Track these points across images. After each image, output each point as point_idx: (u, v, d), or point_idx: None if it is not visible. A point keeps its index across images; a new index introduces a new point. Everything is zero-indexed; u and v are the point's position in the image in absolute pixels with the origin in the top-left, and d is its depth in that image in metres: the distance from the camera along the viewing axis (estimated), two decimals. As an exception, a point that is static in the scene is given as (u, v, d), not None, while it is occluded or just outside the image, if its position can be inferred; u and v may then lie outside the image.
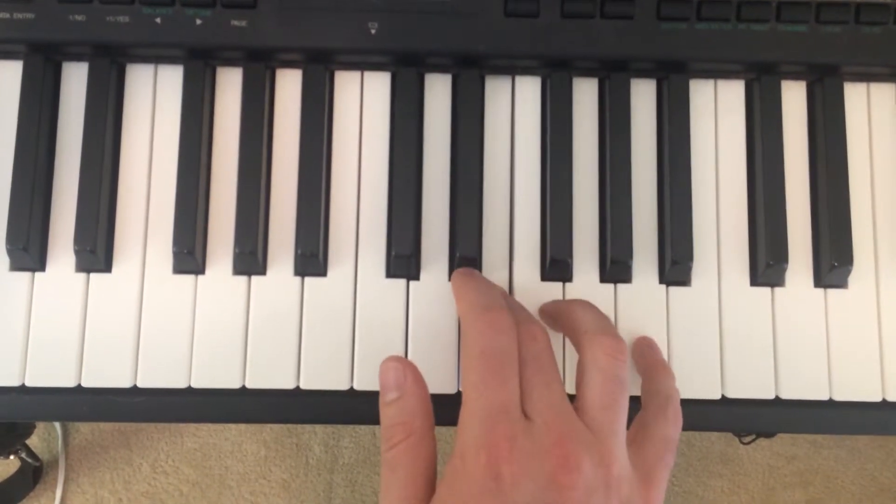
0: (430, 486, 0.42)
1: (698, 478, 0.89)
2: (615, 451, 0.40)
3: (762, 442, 0.89)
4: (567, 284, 0.50)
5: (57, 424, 0.87)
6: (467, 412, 0.41)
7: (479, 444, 0.39)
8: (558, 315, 0.47)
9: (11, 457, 0.83)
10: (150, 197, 0.50)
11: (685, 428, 0.48)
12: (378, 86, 0.51)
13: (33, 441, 0.86)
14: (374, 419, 0.49)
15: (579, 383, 0.43)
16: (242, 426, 0.88)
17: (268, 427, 0.89)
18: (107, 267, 0.49)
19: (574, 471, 0.38)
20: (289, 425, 0.89)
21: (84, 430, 0.88)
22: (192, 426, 0.88)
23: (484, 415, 0.40)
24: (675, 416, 0.45)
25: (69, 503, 0.87)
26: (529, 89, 0.52)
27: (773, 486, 0.89)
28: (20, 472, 0.86)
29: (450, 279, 0.50)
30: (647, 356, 0.48)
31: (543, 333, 0.43)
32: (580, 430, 0.40)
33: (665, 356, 0.49)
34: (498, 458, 0.39)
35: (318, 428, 0.89)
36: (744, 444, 0.89)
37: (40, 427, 0.87)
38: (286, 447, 0.89)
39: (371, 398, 0.48)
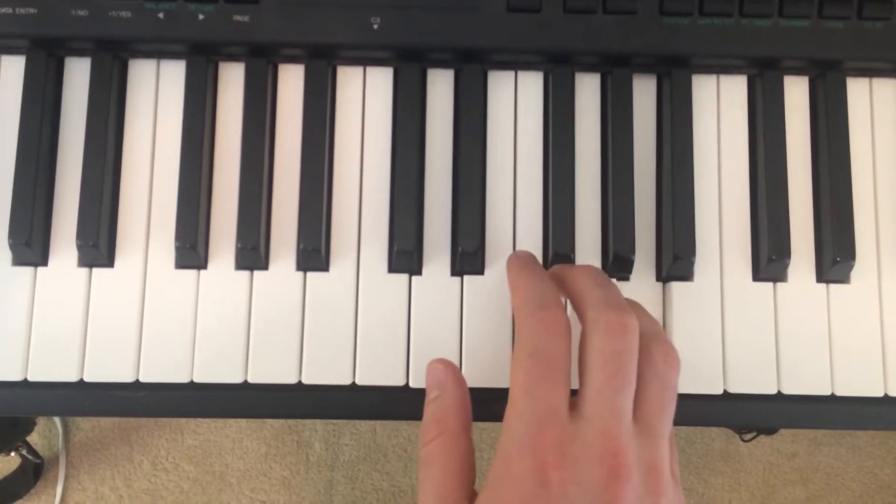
0: (466, 483, 0.42)
1: (699, 475, 0.89)
2: (665, 456, 0.41)
3: (763, 439, 0.89)
4: (569, 280, 0.50)
5: (58, 421, 0.87)
6: (513, 414, 0.40)
7: (525, 447, 0.39)
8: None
9: (13, 454, 0.83)
10: (152, 192, 0.50)
11: (689, 423, 0.49)
12: (380, 81, 0.51)
13: (34, 438, 0.87)
14: (375, 414, 0.49)
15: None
16: (243, 423, 0.88)
17: (268, 424, 0.89)
18: (109, 262, 0.49)
19: (626, 480, 0.38)
20: (289, 422, 0.89)
21: (85, 427, 0.88)
22: (192, 423, 0.88)
23: (531, 418, 0.40)
24: (666, 357, 0.43)
25: (70, 500, 0.88)
26: (532, 84, 0.52)
27: (774, 484, 0.90)
28: (21, 469, 0.87)
29: (452, 273, 0.50)
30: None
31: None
32: (632, 438, 0.40)
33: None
34: (545, 463, 0.38)
35: (319, 425, 0.89)
36: (744, 441, 0.89)
37: (41, 424, 0.87)
38: (287, 444, 0.89)
39: (373, 393, 0.49)
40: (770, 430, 0.88)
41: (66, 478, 0.88)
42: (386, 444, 0.89)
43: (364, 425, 0.89)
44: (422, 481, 0.43)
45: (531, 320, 0.42)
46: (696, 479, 0.89)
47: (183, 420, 0.88)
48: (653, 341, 0.42)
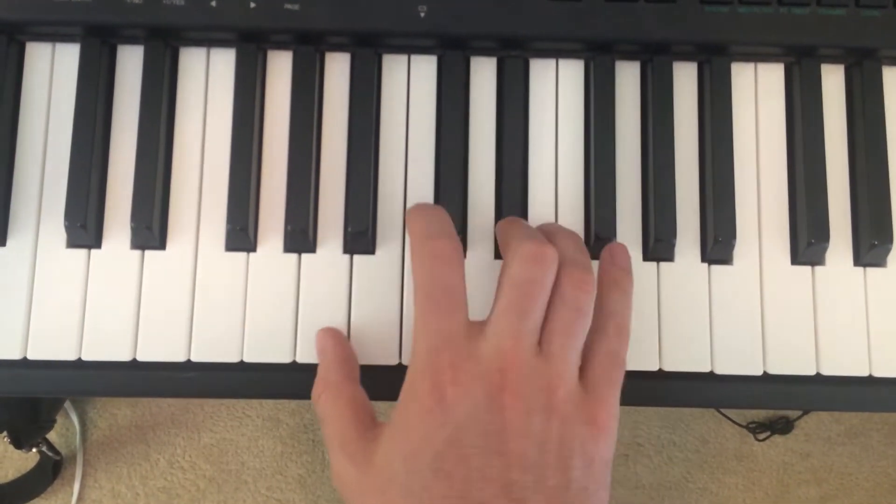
0: (361, 422, 0.44)
1: (713, 474, 0.90)
2: (563, 374, 0.42)
3: (777, 439, 0.90)
4: (610, 263, 0.51)
5: (75, 419, 0.88)
6: (415, 342, 0.43)
7: (425, 370, 0.42)
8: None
9: (33, 450, 0.83)
10: (202, 176, 0.51)
11: (731, 405, 0.49)
12: (425, 69, 0.52)
13: (51, 436, 0.87)
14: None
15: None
16: (259, 422, 0.89)
17: (284, 423, 0.89)
18: (161, 244, 0.50)
19: (515, 393, 0.40)
20: (305, 421, 0.89)
21: (102, 425, 0.88)
22: (209, 422, 0.88)
23: (428, 343, 0.42)
24: (618, 331, 0.45)
25: (87, 498, 0.87)
26: (572, 72, 0.53)
27: (788, 483, 0.90)
28: (39, 466, 0.86)
29: (495, 256, 0.51)
30: (602, 270, 0.48)
31: (554, 259, 0.43)
32: (529, 356, 0.41)
33: (707, 334, 0.50)
34: (442, 381, 0.41)
35: (335, 424, 0.89)
36: (758, 440, 0.89)
37: (58, 422, 0.87)
38: (302, 443, 0.89)
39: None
40: (784, 430, 0.89)
41: (84, 475, 0.88)
42: (402, 442, 0.89)
43: (381, 423, 0.90)
44: (325, 438, 0.45)
45: (421, 251, 0.45)
46: (710, 479, 0.89)
47: (199, 418, 0.88)
48: (564, 264, 0.44)
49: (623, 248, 0.49)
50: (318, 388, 0.46)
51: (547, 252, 0.43)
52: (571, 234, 0.48)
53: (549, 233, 0.47)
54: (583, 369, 0.44)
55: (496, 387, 0.40)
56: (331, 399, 0.45)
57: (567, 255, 0.45)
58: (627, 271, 0.48)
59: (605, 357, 0.44)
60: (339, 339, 0.48)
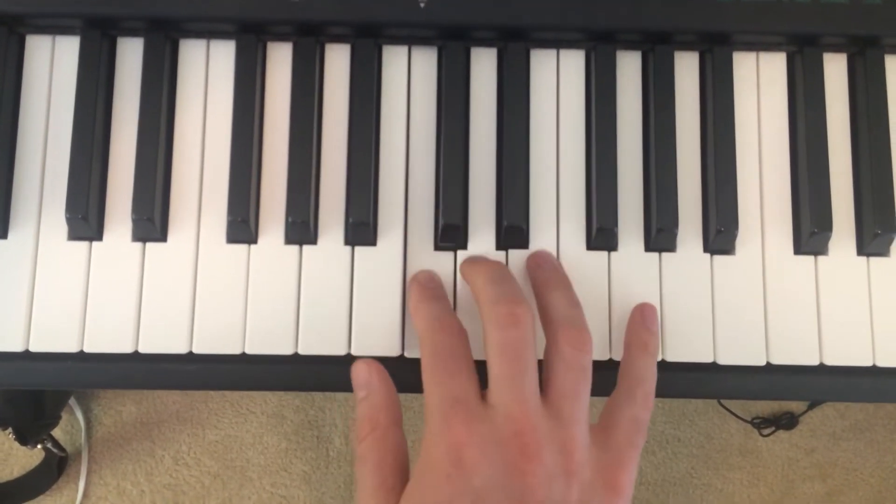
0: (400, 474, 0.44)
1: (717, 470, 0.89)
2: (577, 437, 0.42)
3: (781, 434, 0.89)
4: (612, 254, 0.51)
5: (80, 416, 0.88)
6: (427, 408, 0.43)
7: (439, 434, 0.42)
8: (535, 294, 0.48)
9: (38, 446, 0.83)
10: (203, 168, 0.51)
11: (734, 396, 0.49)
12: (425, 60, 0.52)
13: (56, 433, 0.87)
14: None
15: (545, 370, 0.44)
16: (263, 419, 0.89)
17: (288, 419, 0.89)
18: (162, 236, 0.50)
19: (534, 458, 0.40)
20: (309, 418, 0.89)
21: (107, 422, 0.88)
22: (213, 418, 0.88)
23: (439, 408, 0.42)
24: (644, 398, 0.46)
25: (92, 495, 0.88)
26: (573, 62, 0.52)
27: (793, 479, 0.90)
28: (45, 462, 0.87)
29: (496, 248, 0.51)
30: (631, 331, 0.49)
31: (527, 315, 0.44)
32: (541, 420, 0.41)
33: (710, 324, 0.50)
34: (457, 445, 0.41)
35: (339, 420, 0.89)
36: (763, 436, 0.89)
37: (63, 419, 0.87)
38: (307, 440, 0.89)
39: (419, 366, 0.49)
40: (789, 425, 0.88)
41: (89, 472, 0.88)
42: (405, 439, 0.89)
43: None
44: (359, 477, 0.44)
45: (429, 330, 0.46)
46: (715, 475, 0.89)
47: (204, 415, 0.88)
48: (560, 324, 0.45)
49: (653, 310, 0.49)
50: (364, 428, 0.45)
51: (519, 312, 0.43)
52: (564, 284, 0.48)
53: (541, 282, 0.48)
54: (606, 430, 0.45)
55: (515, 452, 0.40)
56: (377, 442, 0.45)
57: (561, 312, 0.46)
58: (656, 335, 0.49)
59: (631, 423, 0.45)
60: (385, 377, 0.47)
